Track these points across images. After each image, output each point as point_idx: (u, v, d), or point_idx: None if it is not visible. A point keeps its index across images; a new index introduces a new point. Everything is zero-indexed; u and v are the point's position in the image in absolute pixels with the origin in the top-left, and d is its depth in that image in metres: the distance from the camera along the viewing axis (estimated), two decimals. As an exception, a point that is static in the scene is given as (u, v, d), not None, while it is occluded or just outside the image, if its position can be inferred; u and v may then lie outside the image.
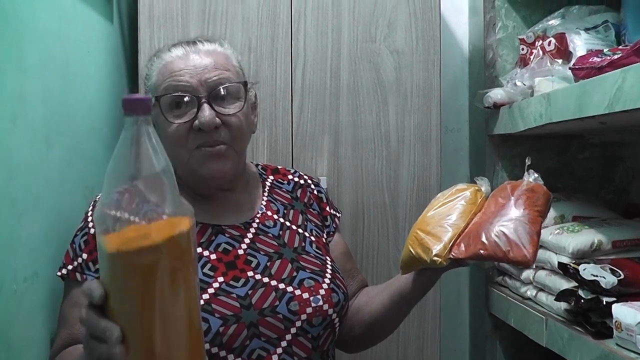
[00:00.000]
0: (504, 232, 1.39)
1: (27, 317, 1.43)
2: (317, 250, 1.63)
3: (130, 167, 0.98)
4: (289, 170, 1.79)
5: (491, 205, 1.47)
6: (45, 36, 1.57)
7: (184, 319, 1.00)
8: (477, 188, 1.53)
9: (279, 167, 1.80)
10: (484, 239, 1.39)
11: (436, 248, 1.42)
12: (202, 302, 1.41)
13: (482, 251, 1.39)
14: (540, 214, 1.44)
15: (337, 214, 1.79)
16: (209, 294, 1.43)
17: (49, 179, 1.53)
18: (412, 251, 1.46)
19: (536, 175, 1.50)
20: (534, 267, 2.05)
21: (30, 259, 1.44)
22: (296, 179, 1.77)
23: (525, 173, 1.51)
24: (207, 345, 1.38)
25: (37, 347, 1.48)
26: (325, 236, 1.72)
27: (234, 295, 1.44)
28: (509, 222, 1.40)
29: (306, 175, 1.81)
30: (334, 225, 1.76)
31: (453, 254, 1.41)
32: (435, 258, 1.41)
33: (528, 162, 1.54)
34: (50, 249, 1.55)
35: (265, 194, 1.69)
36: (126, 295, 0.99)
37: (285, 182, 1.76)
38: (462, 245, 1.42)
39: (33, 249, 1.46)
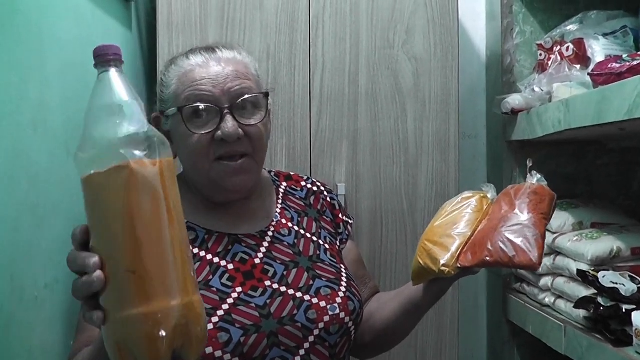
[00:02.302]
0: (508, 238, 1.38)
1: (47, 323, 1.44)
2: (331, 258, 1.62)
3: (109, 109, 1.03)
4: (302, 177, 1.79)
5: (496, 211, 1.46)
6: (65, 44, 1.57)
7: (161, 240, 1.01)
8: (482, 195, 1.52)
9: (292, 173, 1.80)
10: (489, 245, 1.38)
11: (444, 258, 1.41)
12: (222, 312, 1.41)
13: (488, 258, 1.38)
14: (545, 216, 1.43)
15: (350, 220, 1.78)
16: (229, 304, 1.43)
17: (69, 186, 1.54)
18: (421, 262, 1.46)
19: (539, 176, 1.48)
20: (551, 273, 2.05)
21: (50, 265, 1.45)
22: (309, 186, 1.77)
23: (528, 175, 1.50)
24: (228, 356, 1.37)
25: (56, 354, 1.49)
26: (338, 243, 1.72)
27: (253, 305, 1.44)
28: (514, 226, 1.39)
29: (319, 182, 1.80)
30: (347, 233, 1.75)
31: (460, 263, 1.40)
32: (443, 268, 1.40)
33: (529, 164, 1.53)
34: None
35: (279, 201, 1.69)
36: (100, 219, 1.01)
37: (299, 189, 1.75)
38: (469, 253, 1.41)
39: (53, 256, 1.46)
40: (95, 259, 0.99)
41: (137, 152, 1.00)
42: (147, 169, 1.00)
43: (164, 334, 0.98)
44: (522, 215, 1.41)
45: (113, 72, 1.05)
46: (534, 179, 1.48)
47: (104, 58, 1.05)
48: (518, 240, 1.37)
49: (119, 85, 1.04)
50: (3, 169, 1.24)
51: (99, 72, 1.05)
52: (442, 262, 1.41)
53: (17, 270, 1.29)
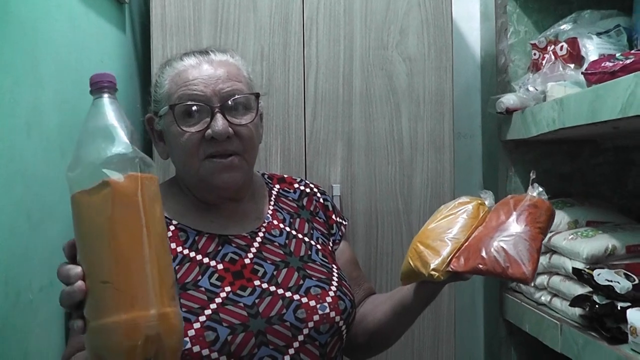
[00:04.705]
0: (503, 248, 1.37)
1: (42, 326, 1.44)
2: (323, 258, 1.63)
3: (98, 132, 1.10)
4: (295, 179, 1.80)
5: (493, 220, 1.46)
6: (59, 46, 1.57)
7: (136, 254, 1.06)
8: (480, 202, 1.52)
9: (285, 176, 1.81)
10: (483, 253, 1.38)
11: (434, 262, 1.41)
12: (210, 311, 1.42)
13: (481, 266, 1.37)
14: (542, 231, 1.43)
15: (344, 222, 1.79)
16: (217, 304, 1.44)
17: (64, 189, 1.53)
18: (412, 264, 1.45)
19: (540, 189, 1.48)
20: (549, 273, 2.05)
21: (45, 268, 1.44)
22: (302, 188, 1.78)
23: (530, 187, 1.49)
24: (215, 354, 1.39)
25: (52, 357, 1.49)
26: (331, 244, 1.72)
27: (241, 305, 1.45)
28: (509, 237, 1.39)
29: (312, 183, 1.82)
30: (340, 234, 1.76)
31: (452, 266, 1.40)
32: (433, 272, 1.40)
33: (533, 175, 1.51)
34: (65, 258, 1.55)
35: (272, 203, 1.70)
36: (82, 233, 1.08)
37: (292, 190, 1.76)
38: (462, 258, 1.40)
39: (48, 259, 1.46)
40: (77, 270, 1.06)
41: (118, 172, 1.06)
42: (127, 187, 1.07)
43: (135, 342, 1.02)
44: (519, 227, 1.41)
45: (105, 99, 1.12)
46: (535, 192, 1.48)
47: (98, 85, 1.12)
48: (513, 252, 1.36)
49: (108, 111, 1.11)
50: (-3, 172, 1.24)
51: (94, 98, 1.12)
52: (432, 266, 1.41)
53: (12, 274, 1.29)
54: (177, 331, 1.09)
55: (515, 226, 1.41)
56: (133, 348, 1.02)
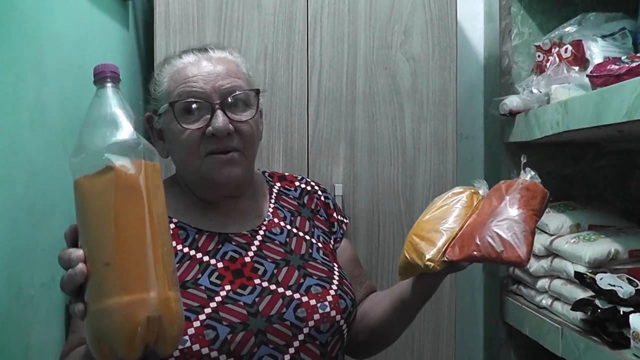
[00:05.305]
0: (497, 233, 1.37)
1: (44, 322, 1.44)
2: (324, 256, 1.63)
3: (101, 120, 1.11)
4: (296, 177, 1.80)
5: (485, 206, 1.46)
6: (62, 43, 1.57)
7: (137, 237, 1.07)
8: (473, 191, 1.52)
9: (286, 174, 1.81)
10: (477, 240, 1.38)
11: (430, 253, 1.41)
12: (209, 310, 1.42)
13: (475, 252, 1.37)
14: (535, 213, 1.42)
15: (345, 220, 1.79)
16: (217, 302, 1.43)
17: (66, 184, 1.52)
18: (408, 257, 1.45)
19: (533, 173, 1.48)
20: (550, 275, 2.05)
21: (47, 264, 1.44)
22: (303, 186, 1.78)
23: (522, 171, 1.49)
24: (215, 353, 1.38)
25: (53, 352, 1.48)
26: (332, 242, 1.72)
27: (241, 303, 1.45)
28: (503, 222, 1.39)
29: (313, 181, 1.81)
30: (341, 232, 1.76)
31: (447, 256, 1.40)
32: (429, 263, 1.40)
33: (524, 160, 1.52)
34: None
35: (272, 201, 1.70)
36: (84, 217, 1.09)
37: (292, 188, 1.76)
38: (457, 247, 1.40)
39: (50, 254, 1.45)
40: (78, 253, 1.06)
41: (122, 157, 1.07)
42: (130, 172, 1.08)
43: (136, 324, 1.02)
44: (512, 211, 1.41)
45: (109, 88, 1.14)
46: (527, 176, 1.47)
47: (102, 75, 1.14)
48: (507, 236, 1.36)
49: (112, 100, 1.13)
50: (0, 167, 1.23)
51: (97, 88, 1.14)
52: (427, 256, 1.41)
53: (14, 269, 1.29)
54: (177, 316, 1.09)
55: (508, 210, 1.41)
56: (134, 330, 1.02)
